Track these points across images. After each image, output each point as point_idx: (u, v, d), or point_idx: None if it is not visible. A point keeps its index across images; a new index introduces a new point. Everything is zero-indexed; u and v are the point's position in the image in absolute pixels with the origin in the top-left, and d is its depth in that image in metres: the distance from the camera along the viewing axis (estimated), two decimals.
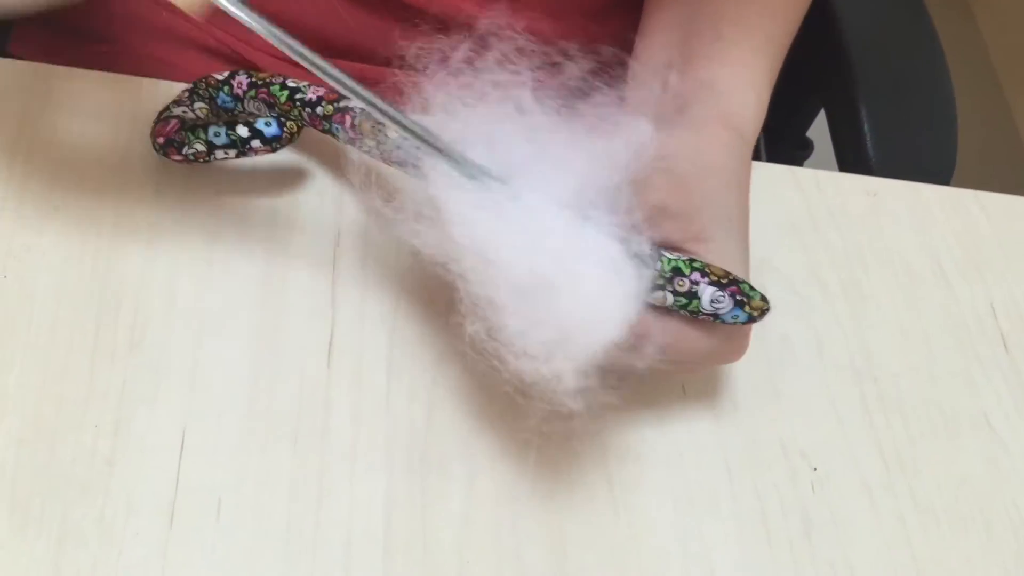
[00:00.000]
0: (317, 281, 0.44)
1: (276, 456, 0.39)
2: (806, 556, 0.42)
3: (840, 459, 0.45)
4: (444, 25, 0.55)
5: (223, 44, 0.57)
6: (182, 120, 0.43)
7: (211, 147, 0.42)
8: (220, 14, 0.34)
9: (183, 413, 0.39)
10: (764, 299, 0.41)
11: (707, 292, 0.39)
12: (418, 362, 0.43)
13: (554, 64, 0.43)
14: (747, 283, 0.41)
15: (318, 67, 0.36)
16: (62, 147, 0.44)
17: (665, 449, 0.44)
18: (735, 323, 0.41)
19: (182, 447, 0.38)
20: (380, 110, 0.37)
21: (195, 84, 0.45)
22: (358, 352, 0.42)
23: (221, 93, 0.44)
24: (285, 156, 0.46)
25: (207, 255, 0.43)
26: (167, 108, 0.44)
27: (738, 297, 0.40)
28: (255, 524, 0.38)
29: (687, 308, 0.40)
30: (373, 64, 0.57)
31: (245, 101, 0.44)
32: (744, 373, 0.46)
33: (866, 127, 0.63)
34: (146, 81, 0.47)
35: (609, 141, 0.40)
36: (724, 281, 0.40)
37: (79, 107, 0.45)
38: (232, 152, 0.42)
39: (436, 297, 0.45)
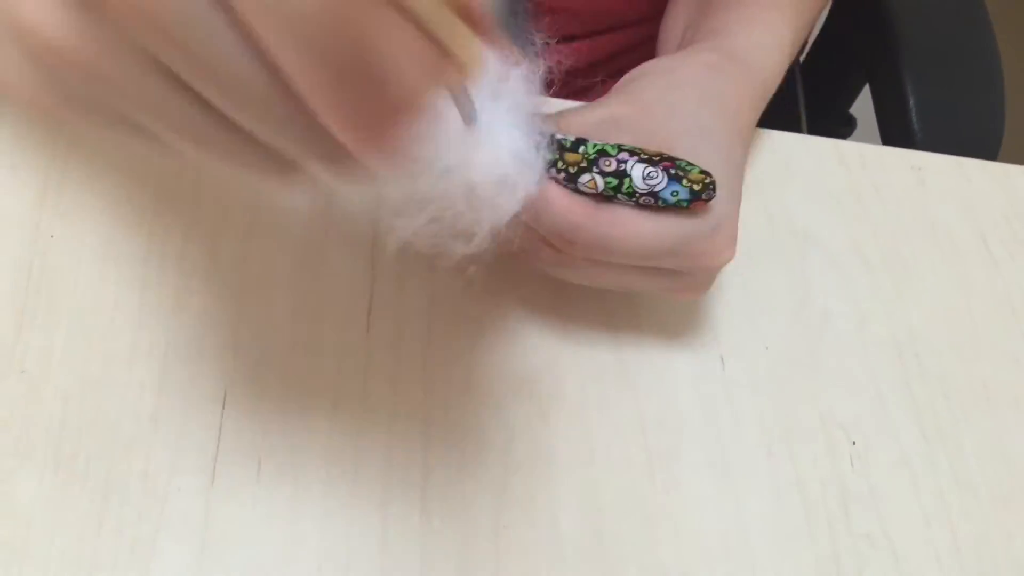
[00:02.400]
0: (357, 247, 0.44)
1: (315, 419, 0.39)
2: (843, 529, 0.42)
3: (880, 433, 0.44)
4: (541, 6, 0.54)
5: None
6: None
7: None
8: None
9: (224, 374, 0.40)
10: (705, 172, 0.37)
11: (637, 169, 0.37)
12: (457, 328, 0.43)
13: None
14: (683, 160, 0.38)
15: None
16: None
17: (703, 421, 0.43)
18: (678, 203, 0.37)
19: (223, 407, 0.39)
20: None
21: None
22: (397, 319, 0.43)
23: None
24: None
25: (249, 220, 0.43)
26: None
27: (672, 171, 0.37)
28: (294, 484, 0.38)
29: (621, 191, 0.37)
30: None
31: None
32: (784, 346, 0.46)
33: (911, 101, 0.62)
34: None
35: None
36: (656, 158, 0.37)
37: None
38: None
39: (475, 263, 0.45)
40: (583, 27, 0.60)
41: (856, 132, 0.75)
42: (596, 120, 0.38)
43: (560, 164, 0.37)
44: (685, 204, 0.37)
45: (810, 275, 0.49)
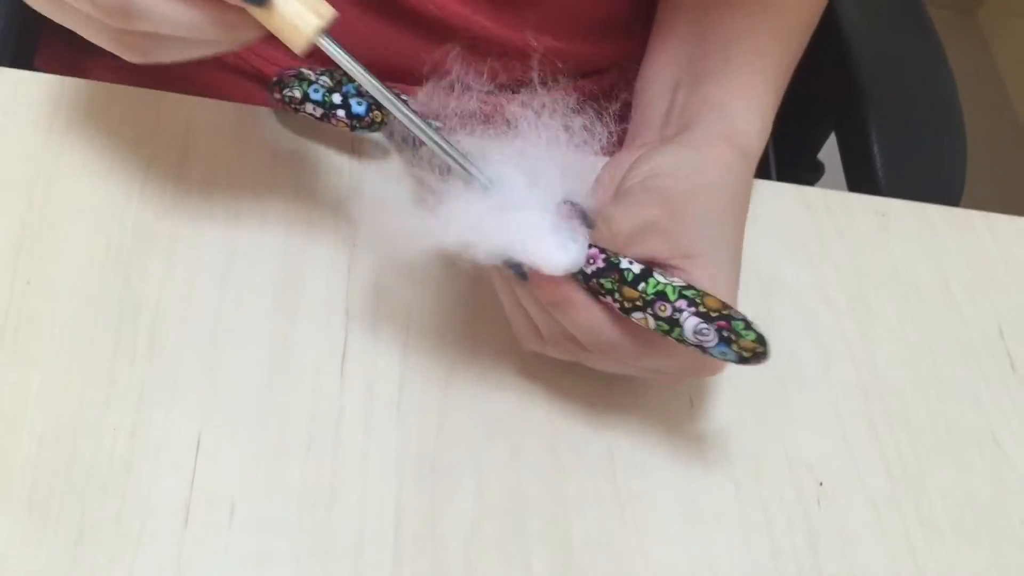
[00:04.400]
0: (331, 292, 0.45)
1: (288, 462, 0.40)
2: (811, 569, 0.42)
3: (846, 474, 0.45)
4: (470, 42, 0.56)
5: (242, 60, 0.59)
6: (300, 73, 0.47)
7: (304, 98, 0.45)
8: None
9: (199, 417, 0.40)
10: (760, 340, 0.38)
11: (690, 323, 0.38)
12: (430, 373, 0.44)
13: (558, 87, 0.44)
14: (743, 320, 0.38)
15: (397, 108, 0.39)
16: (86, 156, 0.45)
17: (672, 461, 0.44)
18: (725, 360, 0.39)
19: (197, 450, 0.39)
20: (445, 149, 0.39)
21: (332, 71, 0.48)
22: (371, 362, 0.43)
23: (351, 86, 0.47)
24: (304, 161, 0.47)
25: (225, 263, 0.44)
26: (301, 68, 0.48)
27: (725, 333, 0.38)
28: (267, 527, 0.38)
29: (671, 334, 0.39)
30: (407, 83, 0.58)
31: (357, 94, 0.47)
32: (751, 388, 0.47)
33: (876, 148, 0.64)
34: (168, 95, 0.48)
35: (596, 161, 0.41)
36: (714, 314, 0.38)
37: (102, 118, 0.47)
38: (319, 111, 0.45)
39: (450, 309, 0.45)
40: (557, 73, 0.61)
41: (824, 177, 0.77)
42: (636, 225, 0.41)
43: (616, 296, 0.39)
44: (732, 362, 0.38)
45: (776, 319, 0.50)
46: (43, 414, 0.39)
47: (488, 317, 0.45)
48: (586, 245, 0.39)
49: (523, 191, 0.39)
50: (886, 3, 0.71)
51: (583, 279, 0.39)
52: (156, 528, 0.37)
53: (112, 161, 0.45)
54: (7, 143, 0.45)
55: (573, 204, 0.40)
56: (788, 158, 0.77)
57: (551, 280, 0.39)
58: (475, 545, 0.40)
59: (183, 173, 0.46)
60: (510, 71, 0.61)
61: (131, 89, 0.48)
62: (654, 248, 0.41)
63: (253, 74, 0.59)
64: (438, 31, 0.56)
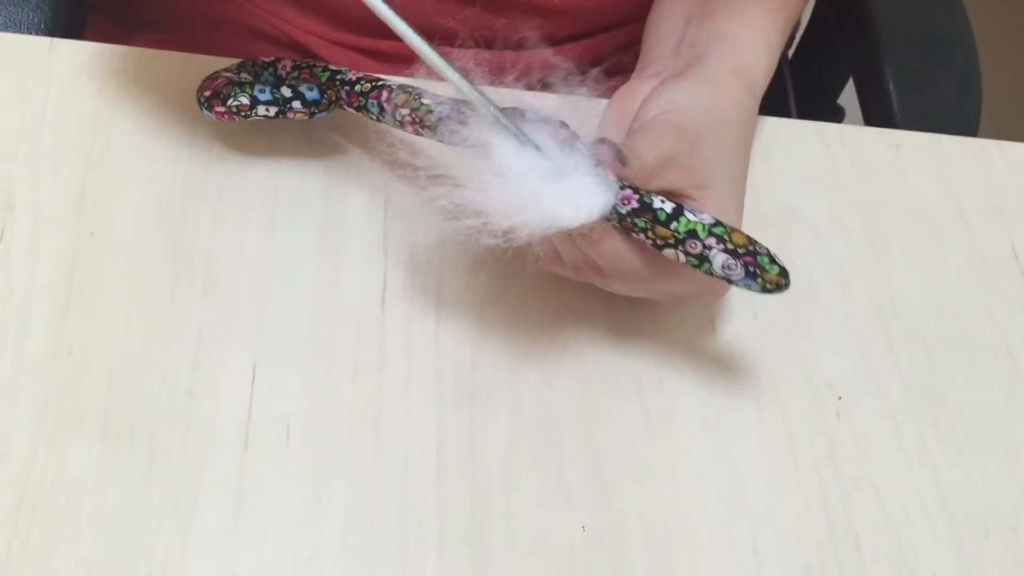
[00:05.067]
0: (369, 234, 0.47)
1: (337, 388, 0.43)
2: (831, 476, 0.45)
3: (864, 388, 0.48)
4: (487, 1, 0.58)
5: (276, 29, 0.62)
6: (229, 80, 0.47)
7: (254, 102, 0.45)
8: None
9: (253, 351, 0.43)
10: (783, 274, 0.41)
11: (719, 258, 0.41)
12: (464, 306, 0.46)
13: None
14: (767, 255, 0.41)
15: (436, 62, 0.41)
16: (137, 118, 0.49)
17: (696, 380, 0.47)
18: (749, 290, 0.42)
19: (253, 380, 0.42)
20: (483, 101, 0.41)
21: (242, 62, 0.49)
22: (409, 297, 0.46)
23: (265, 73, 0.48)
24: (338, 120, 0.50)
25: (270, 211, 0.47)
26: (216, 72, 0.47)
27: (751, 268, 0.41)
28: (320, 447, 0.41)
29: (700, 268, 0.42)
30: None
31: (287, 80, 0.48)
32: (771, 312, 0.49)
33: (891, 86, 0.65)
34: (209, 59, 0.51)
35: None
36: (741, 251, 0.41)
37: (149, 82, 0.50)
38: (273, 110, 0.45)
39: (481, 247, 0.48)
40: (575, 29, 0.63)
41: (845, 121, 0.79)
42: (659, 158, 0.43)
43: (649, 233, 0.41)
44: (757, 292, 0.42)
45: (795, 247, 0.52)
46: (111, 352, 0.42)
47: (517, 252, 0.48)
48: (616, 189, 0.41)
49: (553, 145, 0.41)
50: None
51: (617, 218, 0.42)
52: (220, 450, 0.41)
53: (161, 121, 0.48)
54: (68, 109, 0.48)
55: (610, 143, 0.42)
56: (809, 103, 0.78)
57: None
58: (512, 462, 0.43)
59: (227, 130, 0.49)
60: (528, 28, 0.63)
61: (175, 54, 0.51)
62: (673, 180, 0.43)
63: (288, 43, 0.62)
64: None
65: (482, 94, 0.41)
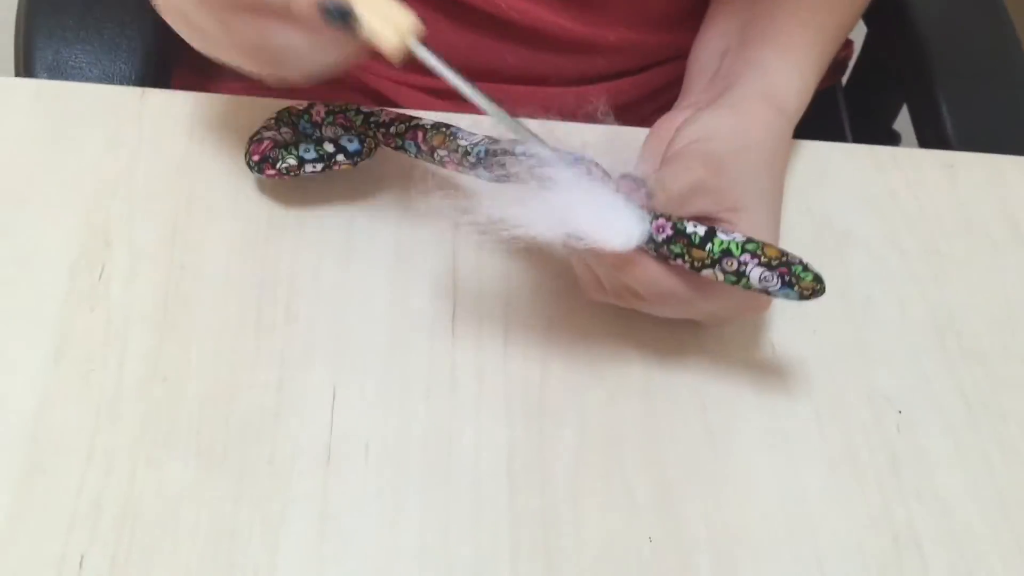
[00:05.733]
0: (440, 261, 0.50)
1: (412, 409, 0.45)
2: (893, 489, 0.46)
3: (924, 404, 0.48)
4: (543, 40, 0.61)
5: (347, 74, 0.65)
6: (274, 141, 0.49)
7: (301, 162, 0.48)
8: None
9: (332, 373, 0.46)
10: (818, 279, 0.43)
11: (755, 272, 0.43)
12: (531, 328, 0.49)
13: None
14: (800, 264, 0.43)
15: (493, 109, 0.43)
16: (222, 159, 0.52)
17: (758, 399, 0.48)
18: (787, 299, 0.43)
19: (333, 401, 0.45)
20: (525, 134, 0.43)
21: (278, 113, 0.51)
22: (478, 321, 0.48)
23: (302, 121, 0.51)
24: (406, 160, 0.53)
25: (345, 243, 0.50)
26: (258, 132, 0.50)
27: (787, 278, 0.43)
28: (398, 464, 0.44)
29: (738, 284, 0.43)
30: (480, 81, 0.63)
31: (323, 127, 0.51)
32: (829, 331, 0.50)
33: (944, 110, 0.66)
34: (283, 102, 0.55)
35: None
36: (775, 263, 0.43)
37: (231, 126, 0.53)
38: (319, 166, 0.48)
39: (544, 271, 0.50)
40: (619, 66, 0.65)
41: (901, 145, 0.80)
42: (686, 186, 0.45)
43: (686, 257, 0.43)
44: (794, 300, 0.43)
45: (851, 268, 0.53)
46: (201, 378, 0.45)
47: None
48: (648, 219, 0.43)
49: (583, 176, 0.43)
50: None
51: (654, 247, 0.44)
52: (304, 467, 0.43)
53: (243, 161, 0.51)
54: (158, 152, 0.52)
55: (633, 178, 0.45)
56: (865, 130, 0.80)
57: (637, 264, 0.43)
58: (580, 476, 0.44)
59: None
60: (585, 65, 0.65)
61: (252, 99, 0.54)
62: (703, 206, 0.45)
63: (359, 88, 0.65)
64: (519, 33, 0.61)
65: (523, 126, 0.44)
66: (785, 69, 0.51)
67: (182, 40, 0.46)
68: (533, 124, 0.45)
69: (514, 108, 0.62)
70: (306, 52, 0.41)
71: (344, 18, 0.40)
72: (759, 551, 0.43)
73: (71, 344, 0.45)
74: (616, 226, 0.42)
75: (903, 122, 0.79)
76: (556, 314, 0.49)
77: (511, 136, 0.44)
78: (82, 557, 0.40)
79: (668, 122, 0.51)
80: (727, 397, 0.48)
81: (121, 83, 0.57)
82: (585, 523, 0.43)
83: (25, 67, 0.57)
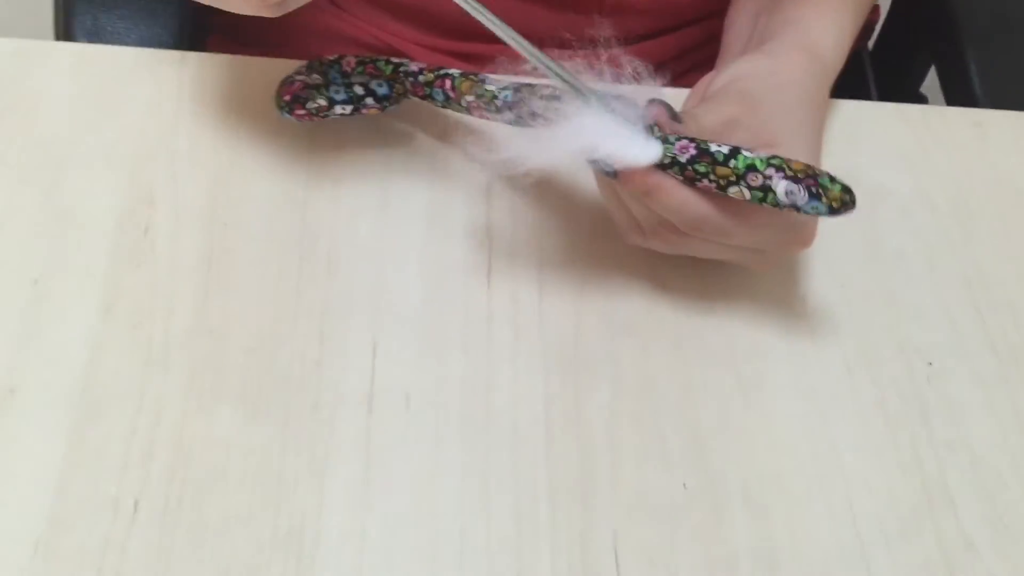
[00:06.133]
0: (474, 216, 0.51)
1: (450, 359, 0.46)
2: (924, 438, 0.46)
3: (955, 355, 0.49)
4: (574, 2, 0.62)
5: (375, 37, 0.66)
6: (305, 83, 0.50)
7: (331, 103, 0.49)
8: None
9: (373, 325, 0.47)
10: (846, 190, 0.43)
11: (781, 185, 0.42)
12: (566, 281, 0.49)
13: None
14: (827, 175, 0.43)
15: (532, 54, 0.44)
16: (258, 120, 0.53)
17: (788, 350, 0.49)
18: (817, 214, 0.43)
19: (374, 353, 0.46)
20: (567, 80, 0.44)
21: (309, 63, 0.52)
22: (512, 274, 0.49)
23: (331, 71, 0.52)
24: (437, 116, 0.54)
25: (381, 200, 0.51)
26: (289, 76, 0.51)
27: (814, 189, 0.42)
28: (437, 413, 0.45)
29: (766, 201, 0.43)
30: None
31: (353, 76, 0.51)
32: (859, 284, 0.51)
33: (973, 70, 0.66)
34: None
35: None
36: (800, 175, 0.42)
37: (267, 88, 0.54)
38: (348, 108, 0.49)
39: (578, 224, 0.51)
40: (650, 26, 0.66)
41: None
42: (719, 121, 0.45)
43: (711, 176, 0.43)
44: (824, 215, 0.43)
45: (881, 223, 0.54)
46: (247, 329, 0.46)
47: (613, 229, 0.51)
48: (671, 140, 0.44)
49: (607, 107, 0.44)
50: None
51: (679, 169, 0.44)
52: (347, 415, 0.44)
53: (280, 121, 0.52)
54: (198, 114, 0.53)
55: (660, 101, 0.45)
56: (891, 93, 0.80)
57: (639, 172, 0.44)
58: (615, 425, 0.45)
59: (341, 127, 0.53)
60: (612, 27, 0.66)
61: (287, 61, 0.55)
62: (739, 140, 0.45)
63: (386, 50, 0.66)
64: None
65: (549, 59, 0.44)
66: (821, 24, 0.52)
67: (215, 8, 0.46)
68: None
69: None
70: None
71: None
72: (791, 497, 0.44)
73: (119, 298, 0.46)
74: (636, 144, 0.43)
75: (929, 87, 0.79)
76: (589, 268, 0.50)
77: (536, 68, 0.45)
78: (136, 501, 0.41)
79: (707, 81, 0.52)
80: (758, 349, 0.49)
81: (159, 48, 0.58)
82: (621, 470, 0.44)
83: (65, 32, 0.58)
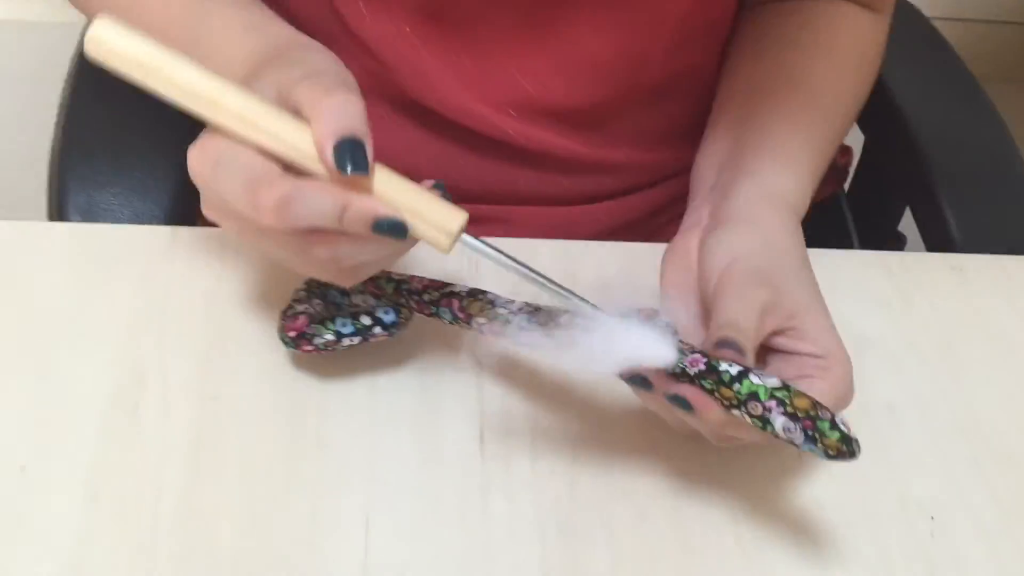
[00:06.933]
0: (466, 385, 0.51)
1: (447, 534, 0.45)
2: None
3: (957, 509, 0.48)
4: (553, 163, 0.63)
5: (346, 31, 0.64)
6: (309, 315, 0.49)
7: (339, 336, 0.48)
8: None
9: (366, 501, 0.46)
10: (845, 440, 0.41)
11: (779, 421, 0.41)
12: (558, 447, 0.49)
13: None
14: (828, 420, 0.41)
15: (556, 288, 0.44)
16: (248, 291, 0.54)
17: (788, 509, 0.48)
18: (814, 455, 0.42)
19: (367, 529, 0.45)
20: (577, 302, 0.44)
21: (307, 283, 0.51)
22: (505, 442, 0.49)
23: (331, 291, 0.51)
24: None
25: (372, 374, 0.51)
26: (291, 306, 0.50)
27: (810, 432, 0.41)
28: None
29: (765, 430, 0.42)
30: (495, 204, 0.65)
31: (353, 296, 0.51)
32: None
33: (947, 212, 0.68)
34: None
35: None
36: (800, 414, 0.41)
37: (257, 259, 0.55)
38: (357, 339, 0.48)
39: (569, 392, 0.51)
40: (637, 181, 0.67)
41: (908, 245, 0.81)
42: (757, 316, 0.45)
43: (716, 394, 0.43)
44: (821, 458, 0.42)
45: (870, 374, 0.54)
46: (237, 510, 0.45)
47: (607, 390, 0.51)
48: (684, 353, 0.44)
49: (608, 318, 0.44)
50: (940, 82, 0.77)
51: (688, 380, 0.44)
52: None
53: (270, 295, 0.52)
54: (190, 287, 0.54)
55: (729, 343, 0.44)
56: (870, 233, 0.81)
57: (710, 408, 0.43)
58: None
59: None
60: (595, 184, 0.67)
61: None
62: (770, 325, 0.45)
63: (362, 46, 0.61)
64: (530, 157, 0.63)
65: (572, 294, 0.44)
66: (781, 172, 0.53)
67: None
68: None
69: (524, 229, 0.64)
70: (367, 257, 0.43)
71: (394, 230, 0.41)
72: None
73: (106, 483, 0.46)
74: (650, 344, 0.43)
75: (907, 222, 0.81)
76: (582, 430, 0.50)
77: (557, 301, 0.44)
78: None
79: (681, 248, 0.51)
80: (758, 510, 0.48)
81: (151, 223, 0.58)
82: None
83: (59, 211, 0.59)
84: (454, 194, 0.68)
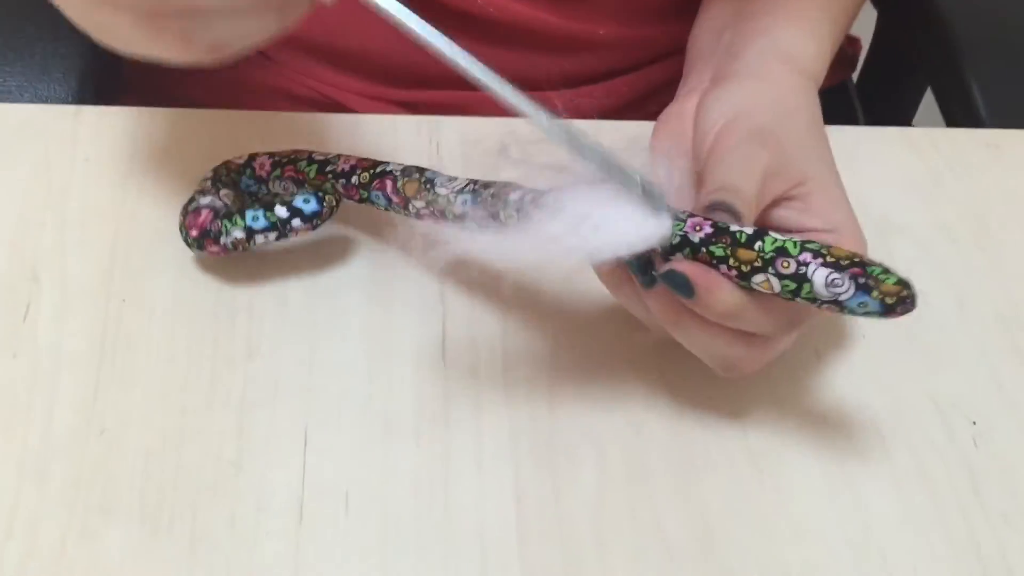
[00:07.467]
0: (425, 281, 0.43)
1: (400, 450, 0.38)
2: (977, 511, 0.38)
3: (1001, 411, 0.41)
4: (526, 39, 0.56)
5: (310, 89, 0.59)
6: (213, 209, 0.41)
7: (250, 233, 0.40)
8: None
9: (303, 414, 0.39)
10: (903, 283, 0.33)
11: (820, 274, 0.33)
12: (534, 351, 0.42)
13: None
14: (879, 265, 0.34)
15: (475, 69, 0.35)
16: (165, 180, 0.46)
17: (804, 415, 0.41)
18: (865, 314, 0.34)
19: (305, 446, 0.38)
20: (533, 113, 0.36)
21: (215, 170, 0.43)
22: (472, 346, 0.42)
23: (244, 177, 0.43)
24: None
25: (313, 269, 0.43)
26: (192, 198, 0.42)
27: (862, 280, 0.33)
28: (384, 517, 0.36)
29: (800, 296, 0.34)
30: (460, 89, 0.57)
31: (270, 182, 0.43)
32: (880, 336, 0.43)
33: (975, 92, 0.60)
34: (234, 113, 0.48)
35: None
36: (844, 262, 0.33)
37: (178, 143, 0.47)
38: (272, 235, 0.40)
39: (546, 286, 0.44)
40: (614, 63, 0.60)
41: None
42: (759, 178, 0.37)
43: (732, 262, 0.35)
44: (876, 316, 0.34)
45: (896, 260, 0.46)
46: (147, 426, 0.38)
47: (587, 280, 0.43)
48: (681, 215, 0.36)
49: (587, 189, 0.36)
50: None
51: (690, 251, 0.35)
52: (271, 527, 0.36)
53: (190, 180, 0.44)
54: (97, 175, 0.46)
55: (721, 204, 0.36)
56: (882, 122, 0.74)
57: (717, 286, 0.35)
58: (604, 520, 0.37)
59: None
60: (575, 64, 0.60)
61: (199, 111, 0.48)
62: (773, 190, 0.38)
63: (324, 103, 0.59)
64: (500, 33, 0.55)
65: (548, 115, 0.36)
66: (797, 35, 0.45)
67: (129, 63, 0.39)
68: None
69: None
70: (244, 27, 0.35)
71: None
72: None
73: None
74: (645, 223, 0.35)
75: (919, 119, 0.73)
76: (560, 335, 0.42)
77: (507, 104, 0.36)
78: None
79: (675, 113, 0.44)
80: (769, 416, 0.41)
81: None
82: (613, 571, 0.36)
83: None
84: (412, 78, 0.60)
